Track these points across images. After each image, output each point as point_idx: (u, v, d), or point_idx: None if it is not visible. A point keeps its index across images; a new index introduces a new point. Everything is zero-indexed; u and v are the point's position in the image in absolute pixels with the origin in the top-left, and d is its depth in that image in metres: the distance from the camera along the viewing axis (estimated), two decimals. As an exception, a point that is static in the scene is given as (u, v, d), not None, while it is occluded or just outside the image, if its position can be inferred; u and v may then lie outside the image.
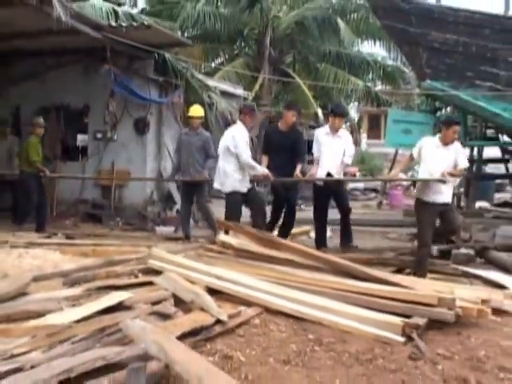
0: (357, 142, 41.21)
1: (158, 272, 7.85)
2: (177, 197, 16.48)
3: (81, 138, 16.49)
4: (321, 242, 11.08)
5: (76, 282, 7.46)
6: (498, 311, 7.42)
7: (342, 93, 29.56)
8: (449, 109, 16.17)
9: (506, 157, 20.39)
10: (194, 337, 5.72)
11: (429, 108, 17.84)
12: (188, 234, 12.42)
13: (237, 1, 26.49)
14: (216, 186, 10.68)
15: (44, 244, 10.42)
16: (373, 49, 29.71)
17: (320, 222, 11.25)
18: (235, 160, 10.24)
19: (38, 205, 13.20)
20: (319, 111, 30.86)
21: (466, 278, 9.48)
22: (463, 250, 10.92)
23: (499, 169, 21.46)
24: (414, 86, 26.03)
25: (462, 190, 18.47)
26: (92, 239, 11.55)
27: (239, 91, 24.95)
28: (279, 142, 10.79)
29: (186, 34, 25.70)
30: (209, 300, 6.54)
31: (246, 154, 10.23)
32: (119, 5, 15.67)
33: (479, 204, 18.33)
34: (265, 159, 10.96)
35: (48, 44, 14.78)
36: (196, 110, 12.99)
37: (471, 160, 17.56)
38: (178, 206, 16.32)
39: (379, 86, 31.13)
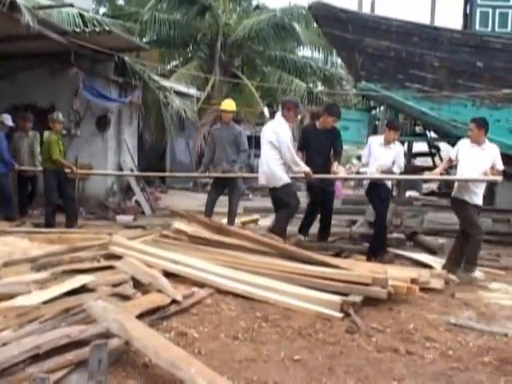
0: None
1: (118, 257, 7.80)
2: (136, 188, 16.42)
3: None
4: (305, 231, 10.48)
5: (43, 267, 7.36)
6: (425, 288, 7.57)
7: (286, 93, 29.67)
8: (382, 107, 16.29)
9: (433, 151, 20.68)
10: (151, 316, 5.72)
11: (364, 107, 18.00)
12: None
13: (188, 8, 26.40)
14: (262, 182, 9.68)
15: (14, 232, 10.28)
16: (314, 54, 29.75)
17: (312, 214, 10.56)
18: (279, 154, 9.32)
19: (66, 200, 12.34)
20: (265, 110, 30.93)
21: (398, 259, 9.64)
22: (395, 235, 11.08)
23: (427, 161, 21.71)
24: (351, 87, 26.17)
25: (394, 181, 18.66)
26: (58, 227, 11.43)
27: (192, 91, 24.93)
28: (316, 141, 10.08)
29: (144, 39, 25.49)
30: (165, 282, 6.54)
31: (291, 150, 9.34)
32: (83, 11, 15.46)
33: (409, 193, 18.56)
34: (300, 156, 10.08)
35: (18, 48, 14.56)
36: (229, 104, 11.84)
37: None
38: (136, 197, 16.27)
39: (320, 88, 31.29)
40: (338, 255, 9.38)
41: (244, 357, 5.01)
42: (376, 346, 5.49)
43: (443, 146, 20.42)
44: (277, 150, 9.29)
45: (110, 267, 7.40)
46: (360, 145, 18.37)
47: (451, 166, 9.48)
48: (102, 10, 27.64)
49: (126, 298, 6.20)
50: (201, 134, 24.98)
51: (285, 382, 4.53)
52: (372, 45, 14.47)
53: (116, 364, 4.56)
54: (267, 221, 13.28)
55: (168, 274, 7.10)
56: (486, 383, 4.73)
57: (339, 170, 10.07)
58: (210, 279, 7.06)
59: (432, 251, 10.27)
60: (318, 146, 10.02)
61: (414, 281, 7.32)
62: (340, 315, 6.14)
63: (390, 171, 9.71)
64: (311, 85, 29.81)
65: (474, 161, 8.75)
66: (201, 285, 6.96)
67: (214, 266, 7.41)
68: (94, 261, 7.83)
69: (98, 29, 14.28)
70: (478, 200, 8.80)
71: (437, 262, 9.22)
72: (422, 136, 18.84)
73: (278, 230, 9.25)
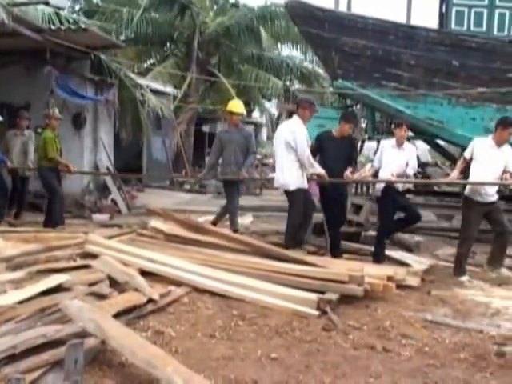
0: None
1: (94, 256, 7.77)
2: (112, 186, 16.34)
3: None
4: (335, 252, 9.66)
5: (19, 267, 7.31)
6: (401, 286, 7.62)
7: (263, 91, 29.76)
8: (358, 106, 16.34)
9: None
10: (128, 315, 5.71)
11: (341, 105, 18.05)
12: (236, 227, 10.88)
13: (169, 7, 26.32)
14: (277, 184, 9.53)
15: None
16: (291, 52, 29.82)
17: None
18: (295, 156, 9.09)
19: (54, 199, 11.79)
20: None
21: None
22: (371, 232, 11.11)
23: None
24: (327, 85, 26.24)
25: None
26: (33, 226, 11.33)
27: (169, 89, 24.84)
28: (333, 149, 9.65)
29: (120, 37, 25.37)
30: (141, 281, 6.53)
31: (307, 151, 9.12)
32: (59, 9, 15.34)
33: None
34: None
35: (-7, 45, 14.44)
36: (237, 106, 11.24)
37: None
38: (112, 195, 16.19)
39: (296, 86, 31.34)
40: (314, 253, 9.39)
41: (221, 355, 5.02)
42: (353, 343, 5.53)
43: (419, 144, 20.52)
44: (293, 151, 9.10)
45: (86, 266, 7.38)
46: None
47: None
48: (78, 7, 27.39)
49: (102, 297, 6.19)
50: (177, 133, 24.95)
51: (262, 380, 4.54)
52: (348, 43, 14.48)
53: (92, 363, 4.55)
54: (244, 219, 13.30)
55: (145, 273, 7.09)
56: (461, 379, 4.77)
57: (352, 175, 9.67)
58: (186, 278, 7.06)
59: (408, 249, 10.32)
60: (335, 154, 9.60)
61: (390, 278, 7.37)
62: (317, 313, 6.17)
63: (404, 175, 9.47)
64: (288, 83, 29.85)
65: (493, 163, 8.61)
66: (177, 283, 6.97)
67: (191, 265, 7.41)
68: (69, 260, 7.79)
69: (73, 26, 14.18)
70: (490, 198, 8.79)
71: (413, 260, 9.27)
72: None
73: (286, 243, 9.09)
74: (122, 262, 7.36)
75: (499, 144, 8.65)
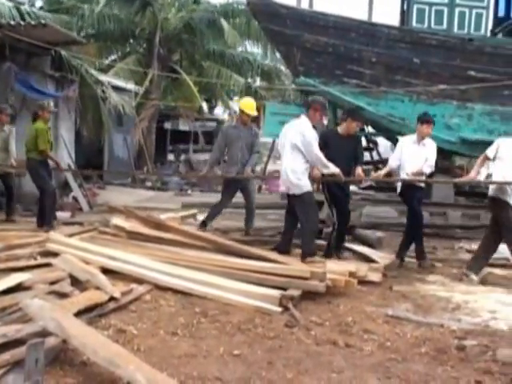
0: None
1: (55, 254, 7.71)
2: (73, 184, 16.20)
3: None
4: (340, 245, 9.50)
5: (-23, 265, 7.24)
6: (363, 281, 7.67)
7: (225, 88, 29.75)
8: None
9: (371, 146, 20.93)
10: (89, 313, 5.68)
11: (303, 102, 18.10)
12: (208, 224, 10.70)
13: (130, 3, 26.16)
14: (283, 189, 9.16)
15: None
16: (253, 48, 29.89)
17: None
18: (304, 158, 8.56)
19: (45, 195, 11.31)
20: (204, 104, 30.92)
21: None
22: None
23: (365, 156, 21.93)
24: (289, 82, 26.32)
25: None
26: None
27: (131, 86, 24.71)
28: (338, 147, 9.15)
29: (81, 33, 25.15)
30: (103, 279, 6.49)
31: (318, 152, 8.55)
32: (19, 4, 15.18)
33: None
34: None
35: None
36: (251, 106, 10.73)
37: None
38: (73, 193, 16.05)
39: (258, 82, 31.39)
40: (276, 249, 9.40)
41: (183, 352, 5.00)
42: (315, 339, 5.55)
43: (381, 140, 20.69)
44: (301, 154, 8.55)
45: (47, 265, 7.32)
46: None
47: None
48: (39, 3, 27.06)
49: (63, 295, 6.15)
50: (139, 130, 24.82)
51: (224, 377, 4.53)
52: (310, 40, 14.56)
53: (53, 363, 4.51)
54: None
55: (106, 271, 7.06)
56: (422, 373, 4.82)
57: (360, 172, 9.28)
58: (148, 275, 7.03)
59: (370, 245, 10.39)
60: (341, 153, 9.11)
61: (352, 274, 7.42)
62: (279, 309, 6.19)
63: (421, 172, 9.22)
64: (250, 80, 29.89)
65: None
66: (139, 281, 6.94)
67: (153, 262, 7.39)
68: (30, 258, 7.73)
69: (33, 22, 14.01)
70: None
71: (375, 256, 9.33)
72: (360, 131, 19.03)
73: (309, 251, 8.44)
74: (84, 260, 7.31)
75: None
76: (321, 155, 8.58)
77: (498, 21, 16.85)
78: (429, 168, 9.26)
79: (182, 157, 29.88)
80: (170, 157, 30.60)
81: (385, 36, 14.40)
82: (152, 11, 25.98)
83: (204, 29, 26.41)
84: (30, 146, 11.29)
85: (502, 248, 8.85)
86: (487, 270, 8.76)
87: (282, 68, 28.07)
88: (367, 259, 9.10)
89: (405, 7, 16.12)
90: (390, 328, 6.00)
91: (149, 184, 23.50)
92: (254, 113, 10.74)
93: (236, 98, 35.45)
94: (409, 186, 9.29)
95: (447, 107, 14.41)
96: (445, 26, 14.82)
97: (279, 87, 28.99)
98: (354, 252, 9.64)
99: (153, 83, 25.78)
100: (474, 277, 8.40)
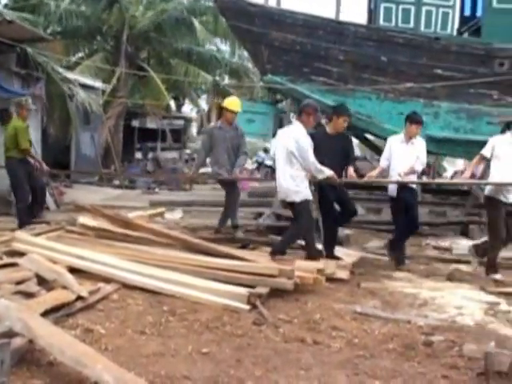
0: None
1: (22, 254, 7.62)
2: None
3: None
4: (330, 250, 9.15)
5: None
6: (331, 279, 7.70)
7: (193, 86, 29.71)
8: (288, 100, 16.45)
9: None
10: (56, 313, 5.63)
11: (270, 100, 18.14)
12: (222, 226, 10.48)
13: (97, 1, 25.99)
14: (282, 196, 8.75)
15: None
16: (221, 46, 29.91)
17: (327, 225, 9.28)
18: (300, 165, 8.33)
19: (40, 191, 11.26)
20: (171, 102, 30.82)
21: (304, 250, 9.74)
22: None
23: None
24: (257, 79, 26.34)
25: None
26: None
27: (98, 84, 24.53)
28: (329, 148, 8.86)
29: (48, 31, 24.92)
30: (70, 278, 6.44)
31: (313, 158, 8.32)
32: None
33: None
34: None
35: None
36: (236, 104, 10.51)
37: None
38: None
39: (226, 80, 31.39)
40: (244, 247, 9.42)
41: (152, 351, 4.99)
42: (283, 336, 5.56)
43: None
44: (296, 160, 8.31)
45: (13, 264, 7.23)
46: (266, 137, 18.53)
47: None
48: (4, 0, 26.76)
49: (29, 295, 6.09)
50: (106, 128, 24.70)
51: (193, 376, 4.53)
52: (278, 38, 14.58)
53: (20, 364, 4.46)
54: (173, 214, 13.25)
55: (73, 270, 7.00)
56: (390, 369, 4.86)
57: (352, 173, 9.11)
58: (116, 274, 7.00)
59: (338, 242, 10.42)
60: (332, 153, 8.86)
61: (320, 271, 7.44)
62: (247, 307, 6.19)
63: (413, 171, 9.15)
64: (218, 78, 29.87)
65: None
66: (107, 280, 6.90)
67: (120, 261, 7.35)
68: (-4, 258, 7.64)
69: (-2, 18, 13.86)
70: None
71: (343, 253, 9.37)
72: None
73: (279, 249, 8.45)
74: (50, 259, 7.24)
75: None
76: (315, 161, 8.32)
77: (464, 20, 17.00)
78: (420, 166, 9.24)
79: (150, 155, 29.75)
80: (138, 155, 30.45)
81: (352, 34, 14.46)
82: (119, 8, 25.83)
83: (172, 26, 26.33)
84: (9, 144, 11.07)
85: (467, 244, 8.95)
86: (453, 266, 8.87)
87: (250, 66, 28.08)
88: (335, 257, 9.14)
89: (372, 6, 16.18)
90: (357, 325, 6.04)
91: (116, 182, 23.37)
92: (239, 109, 10.52)
93: (204, 96, 35.44)
94: (403, 186, 9.15)
95: (414, 105, 14.47)
96: (412, 24, 14.90)
97: (247, 85, 29.02)
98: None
99: (120, 81, 25.67)
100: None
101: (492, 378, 4.64)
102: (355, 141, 19.82)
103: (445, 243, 10.30)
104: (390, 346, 5.42)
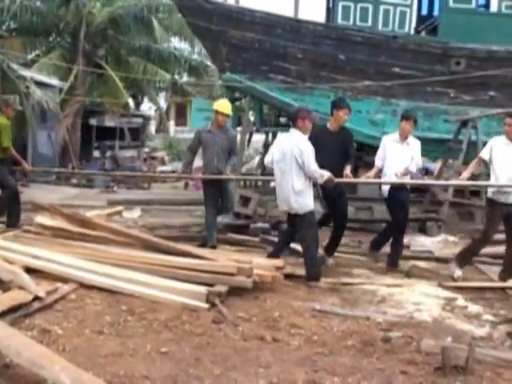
0: (165, 129, 41.26)
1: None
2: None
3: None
4: (331, 251, 9.13)
5: None
6: (290, 276, 7.73)
7: (151, 84, 29.56)
8: (247, 98, 16.47)
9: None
10: (13, 314, 5.57)
11: (229, 98, 18.14)
12: (214, 242, 9.69)
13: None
14: (284, 208, 8.34)
15: None
16: (179, 44, 29.79)
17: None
18: (304, 174, 7.97)
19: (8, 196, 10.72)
20: (130, 101, 30.64)
21: (263, 248, 9.78)
22: (260, 224, 11.24)
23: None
24: (216, 77, 26.33)
25: (259, 171, 18.82)
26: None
27: (55, 82, 24.28)
28: (329, 144, 8.66)
29: (3, 27, 24.61)
30: (27, 278, 6.36)
31: (315, 165, 7.97)
32: None
33: (274, 183, 18.79)
34: None
35: None
36: (226, 107, 10.03)
37: (266, 144, 18.05)
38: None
39: (185, 78, 31.29)
40: (203, 246, 9.41)
41: (110, 351, 4.96)
42: (242, 334, 5.57)
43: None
44: (300, 169, 7.95)
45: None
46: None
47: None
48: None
49: (-15, 296, 6.00)
50: (63, 126, 24.45)
51: (152, 375, 4.51)
52: (236, 36, 14.58)
53: (-25, 366, 4.40)
54: (132, 213, 13.18)
55: (30, 270, 6.90)
56: (349, 365, 4.90)
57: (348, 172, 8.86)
58: (73, 274, 6.93)
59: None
60: (332, 149, 8.67)
61: (279, 269, 7.47)
62: (206, 306, 6.19)
63: (409, 172, 9.00)
64: (177, 76, 29.76)
65: (511, 161, 8.14)
66: (65, 280, 6.82)
67: (78, 260, 7.27)
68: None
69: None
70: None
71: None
72: (286, 127, 19.17)
73: (315, 275, 7.90)
74: (7, 259, 7.14)
75: None
76: (317, 168, 7.99)
77: (421, 19, 17.21)
78: (415, 167, 9.12)
79: (108, 153, 29.54)
80: (96, 153, 30.20)
81: (311, 32, 14.53)
82: (76, 5, 25.53)
83: (130, 24, 26.15)
84: None
85: (425, 241, 9.05)
86: (411, 262, 8.96)
87: (209, 63, 28.04)
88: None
89: (330, 4, 16.27)
90: (316, 322, 6.07)
91: (74, 181, 23.15)
92: (230, 113, 10.21)
93: (162, 94, 35.31)
94: (396, 187, 9.03)
95: (372, 103, 14.65)
96: (370, 23, 15.02)
97: (205, 84, 28.99)
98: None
99: (78, 79, 25.44)
100: None
101: (449, 372, 4.73)
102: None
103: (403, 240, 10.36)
104: (348, 343, 5.46)
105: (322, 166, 8.10)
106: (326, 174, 8.04)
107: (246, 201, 12.21)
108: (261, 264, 7.44)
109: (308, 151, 7.94)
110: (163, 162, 32.37)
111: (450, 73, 14.29)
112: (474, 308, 7.10)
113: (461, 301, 7.36)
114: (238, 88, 15.45)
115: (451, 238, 11.30)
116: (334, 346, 5.36)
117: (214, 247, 9.41)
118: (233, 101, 17.02)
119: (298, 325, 5.90)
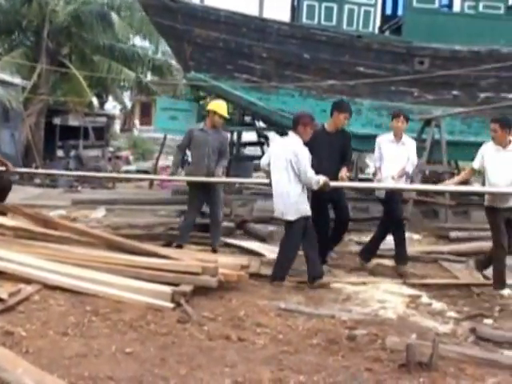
0: (130, 128, 41.07)
1: None
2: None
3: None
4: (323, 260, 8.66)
5: None
6: (255, 275, 7.74)
7: (116, 83, 29.39)
8: (212, 97, 16.45)
9: (262, 140, 21.13)
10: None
11: (193, 97, 18.13)
12: (183, 243, 9.46)
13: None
14: (278, 214, 8.08)
15: None
16: (143, 43, 29.64)
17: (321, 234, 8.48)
18: (299, 179, 7.79)
19: None
20: (94, 100, 30.42)
21: (228, 247, 9.78)
22: (224, 224, 11.20)
23: (256, 151, 22.08)
24: (180, 76, 26.26)
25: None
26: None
27: (17, 81, 24.05)
28: (326, 145, 8.41)
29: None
30: (-12, 280, 6.30)
31: (311, 172, 7.77)
32: None
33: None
34: None
35: None
36: (223, 108, 9.67)
37: (232, 144, 18.03)
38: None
39: (149, 77, 31.16)
40: (168, 245, 9.38)
41: (74, 353, 4.91)
42: (208, 334, 5.56)
43: (272, 135, 20.91)
44: (296, 175, 7.79)
45: None
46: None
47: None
48: None
49: None
50: (27, 125, 24.21)
51: (117, 376, 4.48)
52: (201, 35, 14.56)
53: None
54: (96, 213, 13.07)
55: (-9, 272, 6.83)
56: (314, 364, 4.91)
57: (345, 176, 8.69)
58: (37, 275, 6.85)
59: (262, 239, 10.49)
60: (330, 151, 8.45)
61: (244, 268, 7.48)
62: (171, 305, 6.17)
63: (405, 173, 8.89)
64: (141, 75, 29.63)
65: (503, 166, 7.83)
66: (28, 281, 6.74)
67: (41, 261, 7.20)
68: None
69: None
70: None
71: (267, 249, 9.42)
72: (251, 126, 19.21)
73: (279, 275, 7.85)
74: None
75: (502, 145, 7.88)
76: (313, 174, 7.78)
77: (385, 19, 17.34)
78: (411, 167, 9.04)
79: (72, 153, 29.30)
80: (60, 153, 29.94)
81: (275, 31, 14.55)
82: (39, 2, 25.29)
83: (94, 22, 25.96)
84: None
85: (389, 239, 9.10)
86: (376, 261, 9.02)
87: (173, 62, 27.95)
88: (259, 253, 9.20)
89: (295, 3, 16.31)
90: (282, 321, 6.08)
91: (37, 181, 22.91)
92: (227, 115, 9.88)
93: (127, 93, 35.08)
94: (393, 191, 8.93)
95: (337, 102, 14.72)
96: (334, 22, 15.06)
97: (170, 83, 28.90)
98: (242, 248, 9.72)
99: (41, 78, 25.22)
100: None
101: (413, 368, 4.77)
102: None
103: (367, 238, 10.41)
104: (314, 341, 5.48)
105: (318, 169, 7.93)
106: (322, 179, 7.82)
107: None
108: (226, 263, 7.44)
109: (304, 158, 7.77)
110: (128, 162, 32.21)
111: (414, 72, 14.40)
112: (438, 305, 7.19)
113: (425, 298, 7.45)
114: (203, 87, 15.45)
115: (415, 236, 11.39)
116: (299, 345, 5.37)
117: (180, 246, 9.29)
118: (197, 100, 17.04)
119: (264, 324, 5.91)
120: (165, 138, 21.94)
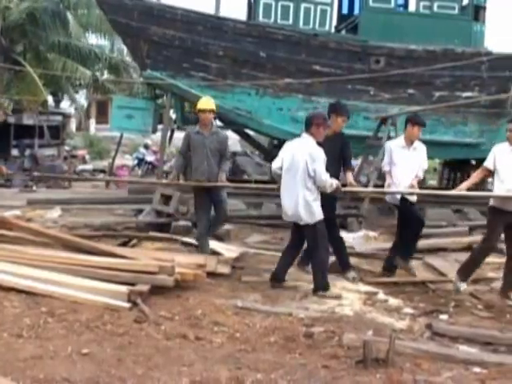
0: (86, 127, 40.71)
1: None
2: None
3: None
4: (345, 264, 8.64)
5: None
6: (212, 274, 7.74)
7: (71, 81, 29.08)
8: (169, 95, 16.37)
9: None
10: None
11: (150, 95, 18.03)
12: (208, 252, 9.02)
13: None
14: (288, 217, 7.96)
15: None
16: (100, 41, 29.37)
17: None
18: (314, 183, 7.62)
19: None
20: (49, 98, 30.08)
21: (185, 246, 9.75)
22: (182, 222, 11.20)
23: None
24: (137, 75, 26.11)
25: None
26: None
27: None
28: (326, 150, 7.88)
29: None
30: None
31: (326, 174, 7.62)
32: None
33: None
34: None
35: None
36: (206, 103, 9.36)
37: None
38: None
39: (106, 75, 30.90)
40: (124, 244, 9.33)
41: (29, 355, 4.87)
42: (165, 333, 5.56)
43: (229, 133, 20.91)
44: (310, 179, 7.62)
45: None
46: (145, 134, 18.41)
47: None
48: None
49: None
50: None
51: (73, 377, 4.46)
52: (157, 33, 14.50)
53: None
54: (52, 213, 12.93)
55: None
56: (272, 361, 4.95)
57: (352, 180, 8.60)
58: (-10, 276, 6.77)
59: (218, 237, 10.48)
60: (329, 155, 7.95)
61: (201, 267, 7.47)
62: (128, 305, 6.16)
63: (418, 179, 8.73)
64: (97, 73, 29.37)
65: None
66: (-19, 283, 6.67)
67: (-5, 262, 7.11)
68: None
69: None
70: None
71: (224, 248, 9.42)
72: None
73: (322, 286, 7.59)
74: None
75: None
76: (327, 176, 7.66)
77: (342, 18, 17.45)
78: (422, 172, 8.87)
79: (27, 152, 28.92)
80: (14, 152, 29.53)
81: (231, 30, 14.55)
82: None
83: (48, 20, 25.65)
84: None
85: (347, 237, 9.17)
86: (333, 258, 9.07)
87: (130, 61, 27.77)
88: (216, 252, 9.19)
89: (252, 2, 16.32)
90: (239, 319, 6.11)
91: (-9, 181, 22.60)
92: (212, 107, 9.35)
93: (83, 91, 34.77)
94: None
95: (293, 101, 14.74)
96: (291, 21, 15.10)
97: (126, 81, 28.71)
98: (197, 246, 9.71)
99: (-6, 76, 24.87)
100: None
101: (370, 364, 4.82)
102: (235, 136, 20.01)
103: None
104: (271, 339, 5.51)
105: None
106: (335, 183, 7.75)
107: (167, 199, 12.14)
108: (183, 262, 7.43)
109: (320, 159, 7.62)
110: (84, 161, 31.90)
111: (370, 71, 14.51)
112: (394, 302, 7.29)
113: (381, 295, 7.54)
114: (159, 85, 15.36)
115: (371, 234, 11.49)
116: (256, 343, 5.40)
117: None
118: (154, 98, 16.94)
119: (221, 322, 5.93)
120: (121, 137, 21.76)
